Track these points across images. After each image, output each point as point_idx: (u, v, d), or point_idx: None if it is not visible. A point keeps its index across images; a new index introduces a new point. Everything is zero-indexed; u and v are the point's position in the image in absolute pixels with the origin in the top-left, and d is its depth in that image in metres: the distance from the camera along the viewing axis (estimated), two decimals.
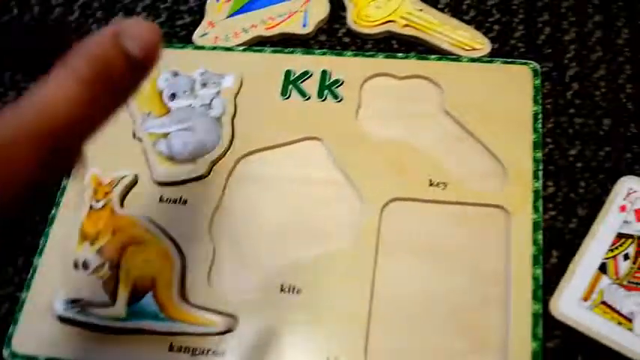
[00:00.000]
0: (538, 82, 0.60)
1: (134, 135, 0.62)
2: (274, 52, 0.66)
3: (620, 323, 0.50)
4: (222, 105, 0.62)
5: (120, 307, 0.54)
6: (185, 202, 0.59)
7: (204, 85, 0.63)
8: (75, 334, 0.54)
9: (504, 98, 0.60)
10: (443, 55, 0.64)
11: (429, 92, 0.62)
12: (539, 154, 0.57)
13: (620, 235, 0.53)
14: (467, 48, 0.64)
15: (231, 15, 0.69)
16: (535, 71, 0.61)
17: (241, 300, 0.54)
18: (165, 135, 0.61)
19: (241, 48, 0.67)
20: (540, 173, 0.56)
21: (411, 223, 0.56)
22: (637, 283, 0.51)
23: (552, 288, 0.52)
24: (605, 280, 0.51)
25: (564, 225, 0.55)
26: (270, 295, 0.54)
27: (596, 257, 0.52)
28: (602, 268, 0.52)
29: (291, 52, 0.65)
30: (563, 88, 0.61)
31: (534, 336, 0.50)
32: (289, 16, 0.68)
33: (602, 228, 0.54)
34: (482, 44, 0.64)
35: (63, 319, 0.55)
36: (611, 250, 0.52)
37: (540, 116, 0.59)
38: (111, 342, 0.54)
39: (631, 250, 0.52)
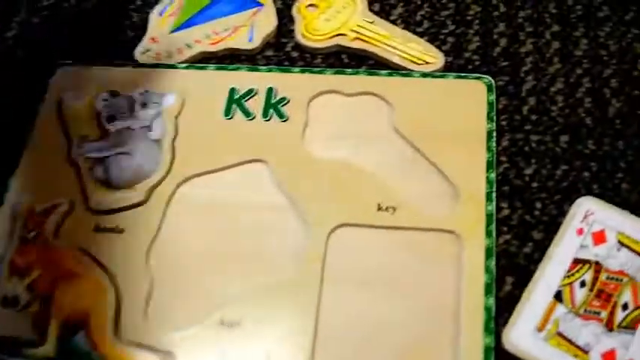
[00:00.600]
0: (492, 97, 0.58)
1: (69, 160, 0.59)
2: (218, 68, 0.63)
3: (576, 356, 0.47)
4: (163, 127, 0.59)
5: (50, 346, 0.51)
6: (122, 230, 0.56)
7: (144, 105, 0.60)
8: None
9: (457, 115, 0.58)
10: (394, 69, 0.61)
11: (378, 110, 0.60)
12: (493, 175, 0.54)
13: (576, 261, 0.51)
14: (419, 62, 0.61)
15: (174, 30, 0.67)
16: (489, 86, 0.58)
17: (179, 335, 0.51)
18: (103, 160, 0.58)
19: (184, 65, 0.64)
20: (494, 195, 0.54)
21: (358, 251, 0.53)
22: (594, 312, 0.49)
23: (506, 318, 0.50)
24: (560, 309, 0.49)
25: (519, 250, 0.53)
26: (209, 329, 0.51)
27: (551, 284, 0.50)
28: (558, 296, 0.49)
29: (236, 69, 0.63)
30: (519, 103, 0.59)
31: None
32: (234, 31, 0.65)
33: (557, 253, 0.51)
34: (435, 58, 0.61)
35: None
36: (568, 277, 0.50)
37: (495, 134, 0.56)
38: None
39: (588, 277, 0.50)
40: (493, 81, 0.59)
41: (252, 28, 0.65)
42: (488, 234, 0.52)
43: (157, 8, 0.68)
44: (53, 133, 0.61)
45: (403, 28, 0.64)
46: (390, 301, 0.51)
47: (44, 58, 0.67)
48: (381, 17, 0.65)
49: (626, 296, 0.49)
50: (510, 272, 0.52)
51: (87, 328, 0.52)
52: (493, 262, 0.51)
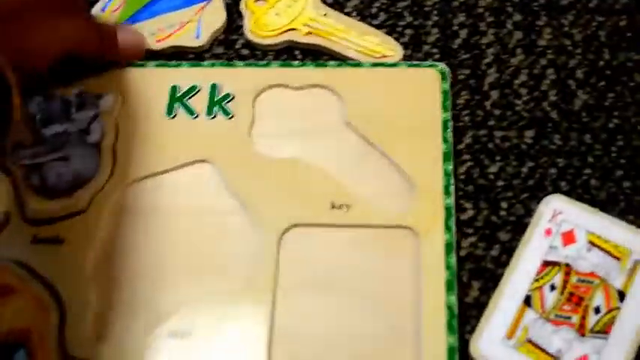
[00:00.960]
0: (446, 85, 0.56)
1: (2, 168, 0.56)
2: (158, 66, 0.60)
3: None
4: (101, 129, 0.56)
5: None
6: (62, 241, 0.53)
7: (80, 107, 0.56)
8: None
9: (411, 106, 0.55)
10: (343, 60, 0.59)
11: (328, 103, 0.57)
12: (450, 167, 0.52)
13: (546, 263, 0.48)
14: (376, 55, 0.58)
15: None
16: (443, 74, 0.56)
17: (129, 349, 0.49)
18: (38, 166, 0.54)
19: None
20: (452, 188, 0.51)
21: (312, 251, 0.51)
22: (564, 317, 0.46)
23: (473, 325, 0.47)
24: (530, 315, 0.46)
25: (485, 252, 0.51)
26: (159, 340, 0.49)
27: (520, 289, 0.48)
28: (527, 301, 0.47)
29: (177, 66, 0.60)
30: (481, 97, 0.56)
31: None
32: (180, 27, 0.62)
33: (525, 255, 0.49)
34: (393, 51, 0.58)
35: None
36: (537, 280, 0.48)
37: (450, 124, 0.54)
38: None
39: (558, 280, 0.48)
40: (447, 68, 0.57)
41: (200, 23, 0.62)
42: (448, 229, 0.50)
43: (100, 3, 0.65)
44: None
45: (359, 21, 0.61)
46: (348, 302, 0.49)
47: None
48: (335, 10, 0.62)
49: (598, 299, 0.47)
50: (477, 276, 0.50)
51: (28, 345, 0.48)
52: (453, 259, 0.49)
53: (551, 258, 0.48)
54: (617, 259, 0.48)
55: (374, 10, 0.62)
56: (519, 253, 0.49)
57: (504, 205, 0.52)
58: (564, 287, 0.47)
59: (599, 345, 0.45)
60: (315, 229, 0.52)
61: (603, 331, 0.46)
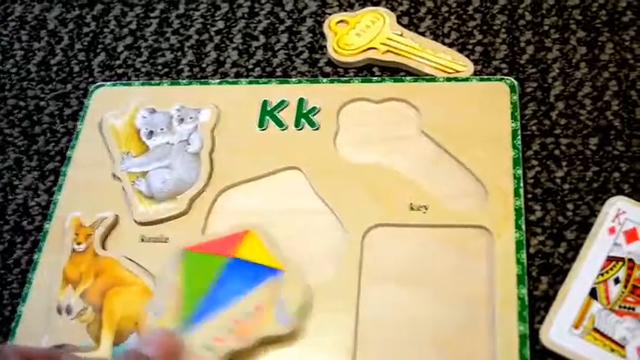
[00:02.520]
0: (515, 97, 0.59)
1: (113, 175, 0.61)
2: (250, 83, 0.65)
3: (612, 350, 0.48)
4: (200, 140, 0.61)
5: (105, 350, 0.53)
6: (166, 240, 0.58)
7: (181, 120, 0.62)
8: None
9: (482, 116, 0.59)
10: (419, 76, 0.63)
11: (406, 114, 0.61)
12: (520, 171, 0.56)
13: (610, 258, 0.51)
14: (449, 70, 0.62)
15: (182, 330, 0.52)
16: (512, 87, 0.60)
17: None
18: (144, 174, 0.60)
19: (217, 81, 0.66)
20: (521, 191, 0.55)
21: (393, 249, 0.55)
22: (628, 308, 0.49)
23: (543, 316, 0.50)
24: (595, 306, 0.50)
25: (553, 250, 0.54)
26: None
27: (586, 282, 0.51)
28: (593, 294, 0.50)
29: (267, 83, 0.65)
30: (547, 108, 0.60)
31: (521, 357, 0.48)
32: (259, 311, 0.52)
33: (591, 252, 0.52)
34: (464, 66, 0.63)
35: None
36: (602, 275, 0.51)
37: (519, 133, 0.58)
38: None
39: (621, 274, 0.51)
40: (516, 82, 0.60)
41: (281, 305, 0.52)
42: (518, 227, 0.53)
43: (150, 308, 0.54)
44: (96, 150, 0.63)
45: (432, 40, 0.65)
46: (426, 295, 0.52)
47: (82, 78, 0.70)
48: (410, 30, 0.66)
49: None
50: (545, 272, 0.53)
51: (138, 331, 0.53)
52: (524, 255, 0.52)
53: (615, 254, 0.51)
54: None
55: (446, 30, 0.66)
56: (585, 249, 0.52)
57: (570, 206, 0.55)
58: (628, 281, 0.50)
59: None
60: (395, 229, 0.55)
61: None
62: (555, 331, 0.49)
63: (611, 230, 0.52)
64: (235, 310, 0.51)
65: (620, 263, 0.51)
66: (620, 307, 0.49)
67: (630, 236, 0.52)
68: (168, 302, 0.52)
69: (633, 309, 0.49)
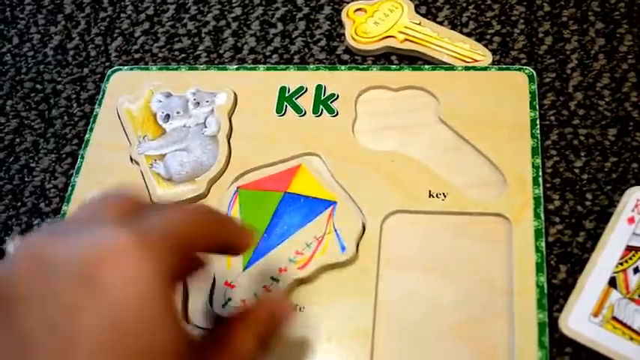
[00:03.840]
0: (534, 87, 0.59)
1: (131, 159, 0.61)
2: (268, 69, 0.65)
3: (631, 339, 0.48)
4: (217, 123, 0.61)
5: None
6: None
7: (197, 104, 0.62)
8: None
9: (500, 105, 0.59)
10: (437, 64, 0.63)
11: (424, 102, 0.61)
12: (538, 160, 0.56)
13: (629, 248, 0.51)
14: (468, 60, 0.63)
15: (247, 265, 0.55)
16: (531, 77, 0.60)
17: None
18: (162, 156, 0.60)
19: (235, 66, 0.66)
20: (540, 179, 0.55)
21: (412, 235, 0.55)
22: None
23: (561, 304, 0.50)
24: (615, 295, 0.50)
25: (572, 239, 0.54)
26: None
27: (605, 271, 0.51)
28: (612, 283, 0.50)
29: (285, 69, 0.65)
30: (566, 99, 0.60)
31: (540, 345, 0.48)
32: (320, 243, 0.55)
33: (610, 241, 0.52)
34: (483, 55, 0.63)
35: None
36: (621, 264, 0.51)
37: (538, 122, 0.58)
38: None
39: None
40: (534, 72, 0.60)
41: (338, 233, 0.55)
42: (537, 216, 0.53)
43: None
44: (113, 133, 0.63)
45: (450, 29, 0.65)
46: (445, 282, 0.52)
47: (98, 62, 0.70)
48: (429, 19, 0.66)
49: None
50: (564, 261, 0.53)
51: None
52: (543, 243, 0.52)
53: (634, 243, 0.51)
54: None
55: (464, 20, 0.66)
56: (604, 238, 0.52)
57: (589, 196, 0.55)
58: None
59: None
60: (414, 216, 0.55)
61: None
62: (574, 319, 0.49)
63: (631, 220, 0.52)
64: (295, 241, 0.55)
65: None
66: (639, 296, 0.49)
67: None
68: None
69: None
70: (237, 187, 0.58)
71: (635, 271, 0.50)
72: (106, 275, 0.31)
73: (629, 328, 0.48)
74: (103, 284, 0.31)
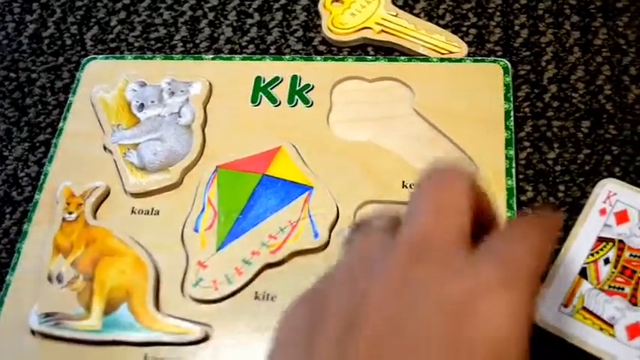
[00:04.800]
0: (509, 79, 0.60)
1: (105, 148, 0.61)
2: (244, 59, 0.65)
3: (601, 329, 0.48)
4: (192, 112, 0.61)
5: (95, 319, 0.53)
6: (157, 212, 0.58)
7: (172, 93, 0.62)
8: (50, 348, 0.53)
9: (475, 97, 0.59)
10: (413, 56, 0.63)
11: (399, 93, 0.61)
12: (512, 152, 0.56)
13: (600, 239, 0.52)
14: (443, 52, 0.63)
15: (221, 246, 0.55)
16: (505, 68, 0.60)
17: (215, 309, 0.53)
18: (136, 146, 0.60)
19: (210, 56, 0.66)
20: (513, 171, 0.55)
21: None
22: (618, 288, 0.50)
23: None
24: (585, 285, 0.50)
25: None
26: (244, 302, 0.53)
27: (576, 262, 0.51)
28: (583, 273, 0.50)
29: (261, 59, 0.65)
30: (540, 91, 0.60)
31: None
32: (293, 228, 0.55)
33: (582, 232, 0.52)
34: (458, 47, 0.63)
35: (37, 333, 0.54)
36: (592, 255, 0.51)
37: (512, 114, 0.58)
38: (86, 355, 0.53)
39: (611, 254, 0.51)
40: (509, 64, 0.60)
41: (312, 219, 0.56)
42: (509, 207, 0.54)
43: (189, 224, 0.57)
44: (87, 122, 0.63)
45: (426, 21, 0.65)
46: None
47: (74, 51, 0.70)
48: (405, 11, 0.66)
49: None
50: None
51: (129, 301, 0.53)
52: None
53: (605, 235, 0.52)
54: None
55: (441, 12, 0.66)
56: (576, 230, 0.52)
57: (562, 187, 0.56)
58: (617, 261, 0.51)
59: None
60: (387, 206, 0.55)
61: None
62: (545, 309, 0.49)
63: (602, 211, 0.53)
64: (270, 225, 0.55)
65: (611, 244, 0.51)
66: (609, 287, 0.50)
67: (621, 218, 0.52)
68: (205, 218, 0.56)
69: (623, 289, 0.50)
70: (217, 166, 0.58)
71: (606, 262, 0.51)
72: (480, 308, 0.30)
73: (599, 318, 0.49)
74: (476, 317, 0.30)
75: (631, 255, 0.51)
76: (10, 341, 0.54)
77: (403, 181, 0.56)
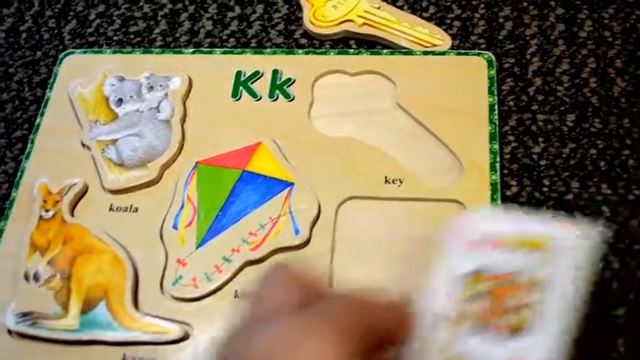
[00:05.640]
0: (493, 72, 0.59)
1: (82, 144, 0.60)
2: (224, 53, 0.64)
3: None
4: (171, 107, 0.60)
5: (72, 318, 0.52)
6: (136, 209, 0.57)
7: (150, 88, 0.61)
8: (27, 348, 0.52)
9: (459, 90, 0.59)
10: (396, 49, 0.62)
11: (382, 87, 0.60)
12: (496, 146, 0.55)
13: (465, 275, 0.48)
14: (427, 44, 0.62)
15: (201, 243, 0.55)
16: (489, 62, 0.59)
17: (195, 307, 0.52)
18: (114, 141, 0.59)
19: (190, 50, 0.65)
20: (497, 165, 0.54)
21: (366, 222, 0.54)
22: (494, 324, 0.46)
23: None
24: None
25: None
26: (225, 301, 0.52)
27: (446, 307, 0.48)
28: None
29: (242, 53, 0.64)
30: (525, 84, 0.60)
31: None
32: (274, 225, 0.55)
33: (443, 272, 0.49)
34: (442, 40, 0.62)
35: (14, 333, 0.53)
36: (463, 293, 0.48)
37: (496, 107, 0.57)
38: (64, 354, 0.52)
39: (483, 288, 0.48)
40: (493, 56, 0.60)
41: (293, 215, 0.55)
42: (493, 202, 0.53)
43: (168, 221, 0.56)
44: (65, 118, 0.62)
45: (409, 14, 0.65)
46: (397, 269, 0.51)
47: (51, 45, 0.69)
48: (388, 3, 0.65)
49: (522, 296, 0.47)
50: None
51: (107, 299, 0.53)
52: None
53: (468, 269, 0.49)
54: (533, 252, 0.50)
55: (424, 4, 0.66)
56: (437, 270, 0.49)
57: (547, 182, 0.55)
58: (489, 294, 0.48)
59: (531, 339, 0.46)
60: (369, 202, 0.55)
61: (527, 327, 0.46)
62: None
63: (463, 245, 0.49)
64: (250, 222, 0.54)
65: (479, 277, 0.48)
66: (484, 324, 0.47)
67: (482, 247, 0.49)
68: (185, 215, 0.55)
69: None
70: (197, 162, 0.58)
71: (477, 297, 0.47)
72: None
73: None
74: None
75: (498, 284, 0.48)
76: None
77: (386, 177, 0.55)
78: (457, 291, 0.44)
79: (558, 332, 0.42)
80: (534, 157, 0.56)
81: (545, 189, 0.55)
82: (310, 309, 0.36)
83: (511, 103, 0.59)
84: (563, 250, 0.45)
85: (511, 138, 0.57)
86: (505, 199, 0.54)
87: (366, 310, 0.38)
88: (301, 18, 0.66)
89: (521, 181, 0.55)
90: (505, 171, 0.56)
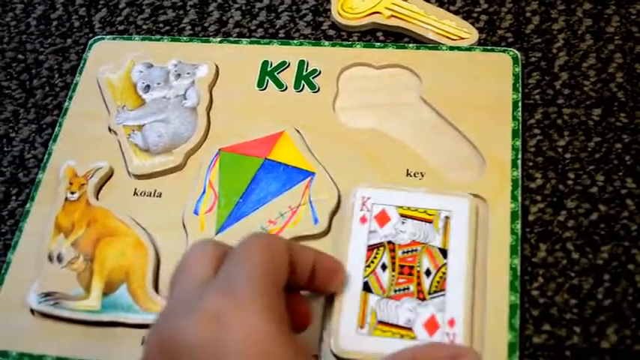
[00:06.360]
0: (518, 69, 0.59)
1: (109, 129, 0.61)
2: (251, 42, 0.64)
3: (402, 336, 0.47)
4: (197, 95, 0.61)
5: (94, 300, 0.53)
6: (160, 195, 0.57)
7: (178, 75, 0.62)
8: (49, 328, 0.53)
9: (483, 86, 0.58)
10: (422, 43, 0.62)
11: (407, 81, 0.60)
12: (518, 143, 0.55)
13: (370, 248, 0.50)
14: (454, 38, 0.62)
15: (220, 229, 0.55)
16: (515, 58, 0.59)
17: None
18: (140, 127, 0.59)
19: (218, 39, 0.65)
20: (519, 162, 0.54)
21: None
22: (403, 289, 0.49)
23: (540, 282, 0.51)
24: (373, 299, 0.48)
25: (552, 217, 0.53)
26: None
27: (356, 279, 0.49)
28: (367, 288, 0.49)
29: (268, 43, 0.64)
30: (551, 78, 0.59)
31: (511, 327, 0.48)
32: (293, 214, 0.55)
33: (351, 247, 0.51)
34: (469, 33, 0.62)
35: (36, 313, 0.54)
36: (368, 266, 0.50)
37: (520, 104, 0.57)
38: (85, 335, 0.52)
39: (386, 259, 0.50)
40: (519, 53, 0.59)
41: (312, 205, 0.55)
42: (514, 198, 0.52)
43: (189, 207, 0.56)
44: (93, 103, 0.63)
45: (437, 7, 0.65)
46: None
47: (82, 33, 0.70)
48: None
49: (426, 263, 0.49)
50: (544, 239, 0.52)
51: (128, 282, 0.53)
52: (518, 225, 0.51)
53: (373, 241, 0.51)
54: (430, 221, 0.51)
55: None
56: (344, 247, 0.51)
57: (571, 175, 0.55)
58: (394, 263, 0.49)
59: (440, 302, 0.48)
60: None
61: (439, 289, 0.48)
62: (343, 338, 0.47)
63: (363, 219, 0.52)
64: (270, 210, 0.55)
65: (382, 249, 0.50)
66: (395, 291, 0.49)
67: (381, 219, 0.52)
68: (206, 201, 0.56)
69: (408, 288, 0.49)
70: (220, 149, 0.58)
71: (384, 267, 0.49)
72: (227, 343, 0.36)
73: (396, 326, 0.47)
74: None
75: (404, 252, 0.50)
76: (9, 320, 0.54)
77: (407, 170, 0.55)
78: (370, 261, 0.50)
79: (465, 292, 0.48)
80: (559, 150, 0.56)
81: (569, 182, 0.55)
82: (219, 275, 0.39)
83: (537, 96, 0.59)
84: (456, 218, 0.51)
85: (536, 131, 0.57)
86: (529, 192, 0.54)
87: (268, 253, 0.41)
88: (329, 10, 0.66)
89: (546, 174, 0.55)
90: (530, 163, 0.55)
